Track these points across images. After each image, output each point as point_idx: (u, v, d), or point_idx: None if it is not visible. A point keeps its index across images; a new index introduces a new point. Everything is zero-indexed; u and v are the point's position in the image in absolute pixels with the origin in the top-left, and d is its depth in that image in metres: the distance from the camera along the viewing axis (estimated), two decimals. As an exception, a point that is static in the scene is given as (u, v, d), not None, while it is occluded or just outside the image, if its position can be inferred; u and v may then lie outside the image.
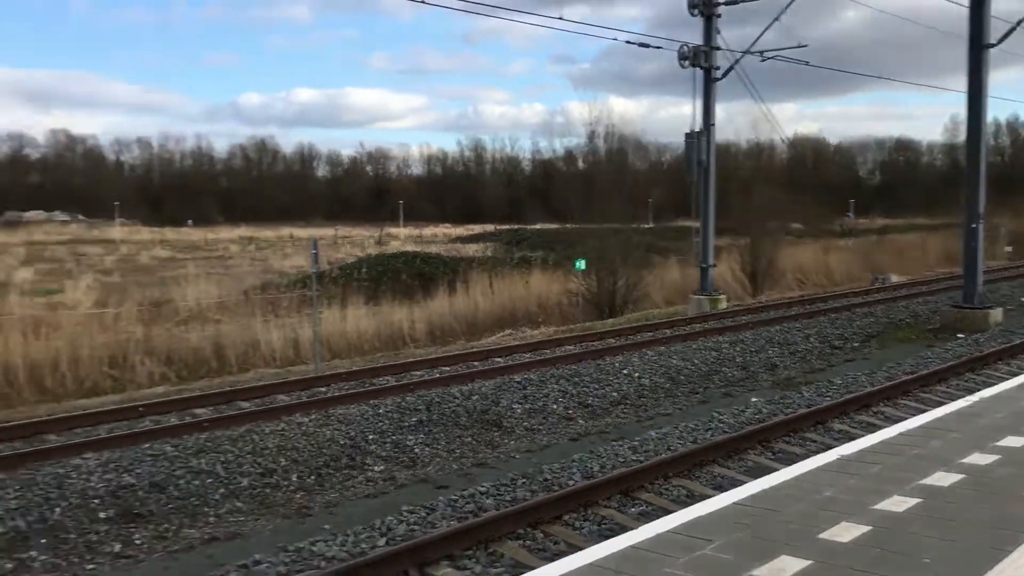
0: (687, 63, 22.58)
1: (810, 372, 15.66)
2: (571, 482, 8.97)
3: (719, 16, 22.88)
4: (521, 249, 50.00)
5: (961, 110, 23.84)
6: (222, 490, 9.35)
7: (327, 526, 8.32)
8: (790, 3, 22.14)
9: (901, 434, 8.49)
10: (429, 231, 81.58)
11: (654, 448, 10.22)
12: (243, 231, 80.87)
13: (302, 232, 74.53)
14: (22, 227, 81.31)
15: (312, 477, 9.93)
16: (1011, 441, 8.01)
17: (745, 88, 24.07)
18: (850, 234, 53.33)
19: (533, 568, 5.88)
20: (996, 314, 19.77)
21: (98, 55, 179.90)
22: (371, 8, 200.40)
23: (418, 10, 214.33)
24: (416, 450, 10.89)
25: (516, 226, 73.60)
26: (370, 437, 11.15)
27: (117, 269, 43.17)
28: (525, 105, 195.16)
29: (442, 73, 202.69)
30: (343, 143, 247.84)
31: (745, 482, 7.71)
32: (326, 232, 71.45)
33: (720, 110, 44.87)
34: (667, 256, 35.65)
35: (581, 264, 27.21)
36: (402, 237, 71.81)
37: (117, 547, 8.02)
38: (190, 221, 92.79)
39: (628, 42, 22.00)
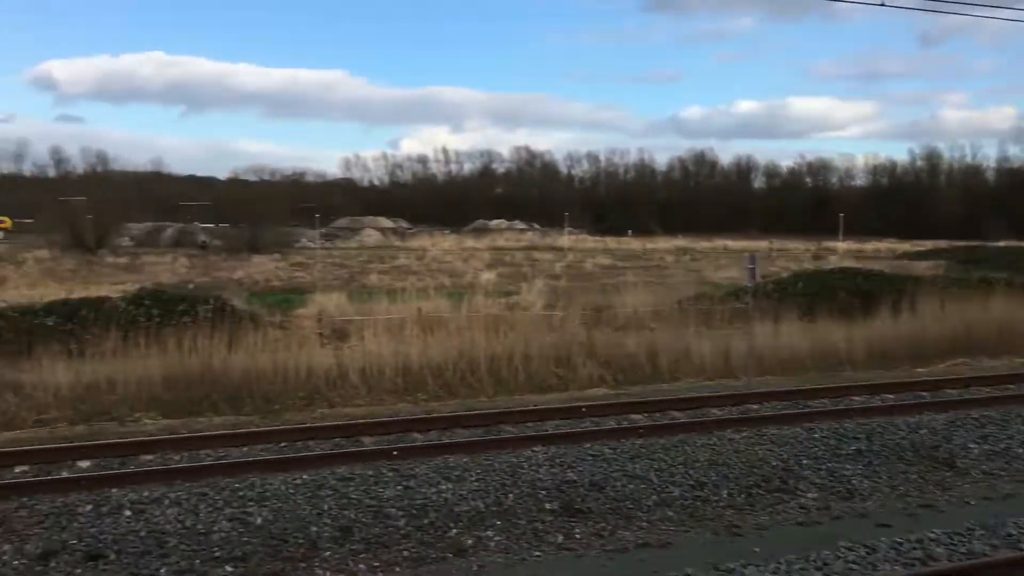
0: None
1: None
2: (1042, 542, 7.85)
3: None
4: (980, 269, 44.94)
5: None
6: (654, 497, 9.64)
7: (757, 549, 8.19)
8: None
9: None
10: (870, 246, 76.75)
11: None
12: (679, 242, 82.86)
13: (736, 244, 74.41)
14: (488, 234, 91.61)
15: (742, 496, 9.84)
16: None
17: None
18: None
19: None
20: None
21: (555, 78, 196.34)
22: (819, 13, 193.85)
23: (871, 12, 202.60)
24: (854, 481, 10.29)
25: (973, 243, 66.51)
26: (804, 462, 10.77)
27: (564, 275, 46.55)
28: (992, 109, 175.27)
29: (895, 77, 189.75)
30: (782, 154, 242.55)
31: None
32: (760, 244, 70.47)
33: None
34: None
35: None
36: (840, 251, 68.35)
37: (560, 538, 8.63)
38: (630, 231, 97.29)
39: None
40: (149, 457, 10.88)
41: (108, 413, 14.08)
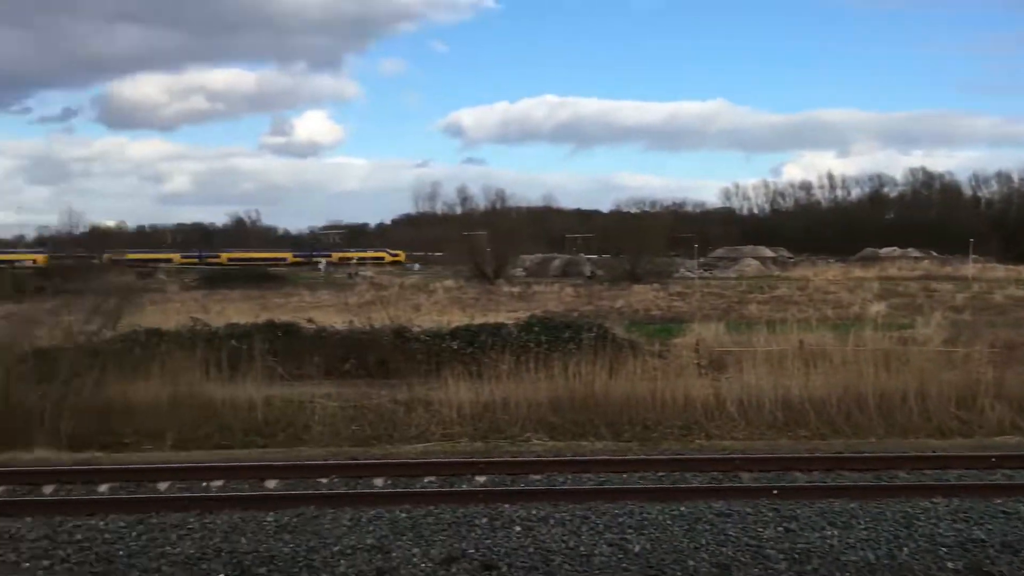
0: None
1: None
2: None
3: None
4: None
5: None
6: (1087, 569, 8.29)
7: None
8: None
9: None
10: None
11: None
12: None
13: None
14: (877, 262, 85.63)
15: None
16: None
17: None
18: None
19: None
20: None
21: (953, 91, 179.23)
22: None
23: None
24: None
25: None
26: None
27: (968, 307, 42.06)
28: None
29: None
30: None
31: None
32: None
33: None
34: None
35: None
36: None
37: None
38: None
39: None
40: (537, 477, 11.53)
41: (502, 432, 15.21)
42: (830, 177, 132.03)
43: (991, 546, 8.71)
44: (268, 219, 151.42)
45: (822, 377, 17.38)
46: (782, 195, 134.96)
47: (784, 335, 21.59)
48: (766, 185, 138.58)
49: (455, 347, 20.80)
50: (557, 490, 10.75)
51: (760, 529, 9.22)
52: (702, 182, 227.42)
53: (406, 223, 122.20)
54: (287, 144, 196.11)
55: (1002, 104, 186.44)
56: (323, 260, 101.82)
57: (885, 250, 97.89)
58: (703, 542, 8.91)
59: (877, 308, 38.57)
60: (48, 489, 10.84)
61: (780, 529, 9.22)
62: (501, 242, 73.27)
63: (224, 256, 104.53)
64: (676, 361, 19.56)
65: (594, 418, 15.60)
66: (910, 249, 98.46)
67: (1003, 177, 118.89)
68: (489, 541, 8.97)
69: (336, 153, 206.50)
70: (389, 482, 11.22)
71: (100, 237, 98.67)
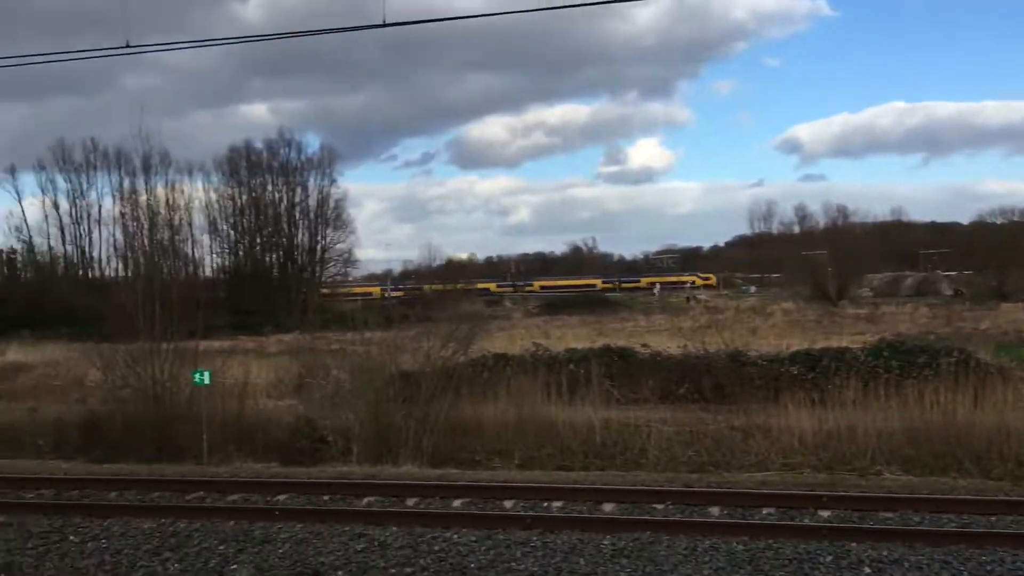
0: None
1: None
2: None
3: None
4: None
5: None
6: None
7: None
8: None
9: None
10: None
11: None
12: None
13: None
14: None
15: None
16: None
17: None
18: None
19: None
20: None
21: None
22: None
23: None
24: None
25: None
26: None
27: None
28: None
29: None
30: None
31: None
32: None
33: None
34: None
35: None
36: None
37: None
38: None
39: None
40: (889, 515, 10.65)
41: (848, 463, 14.26)
42: None
43: None
44: (604, 246, 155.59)
45: None
46: None
47: None
48: None
49: (795, 372, 19.93)
50: (913, 530, 9.84)
51: None
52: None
53: (740, 244, 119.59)
54: (621, 172, 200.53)
55: None
56: (657, 285, 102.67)
57: None
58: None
59: None
60: (411, 502, 11.88)
61: None
62: (844, 261, 69.17)
63: (536, 284, 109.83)
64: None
65: (956, 451, 14.13)
66: None
67: None
68: (834, 581, 8.42)
69: (669, 178, 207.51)
70: (726, 511, 10.96)
71: (454, 268, 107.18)
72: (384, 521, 10.67)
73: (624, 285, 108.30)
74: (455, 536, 10.01)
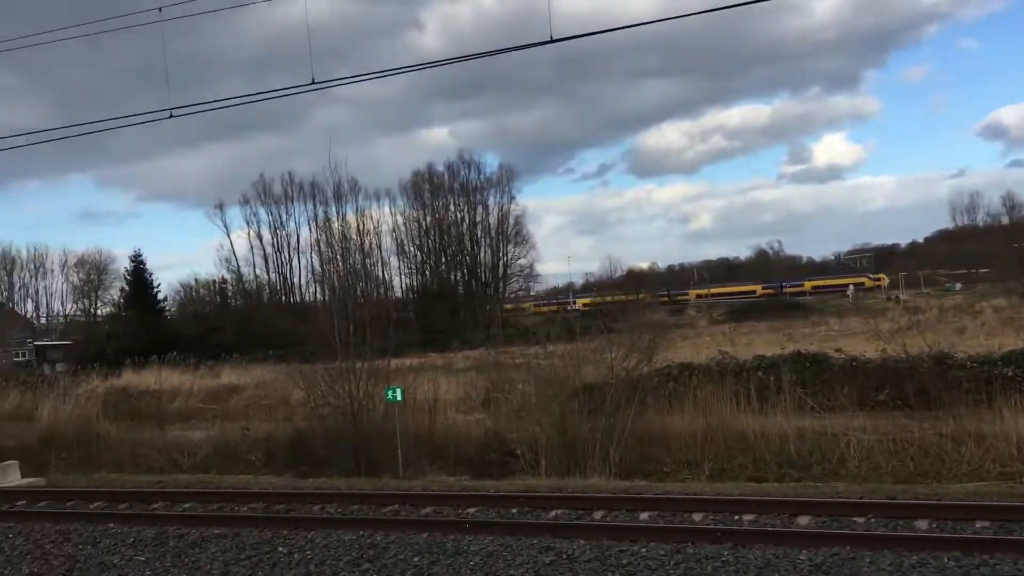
0: None
1: None
2: None
3: None
4: None
5: None
6: None
7: None
8: None
9: None
10: None
11: None
12: None
13: None
14: None
15: None
16: None
17: None
18: None
19: None
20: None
21: None
22: None
23: None
24: None
25: None
26: None
27: None
28: None
29: None
30: None
31: None
32: None
33: None
34: None
35: None
36: None
37: None
38: None
39: None
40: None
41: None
42: None
43: None
44: (791, 248, 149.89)
45: None
46: None
47: None
48: None
49: (1009, 374, 18.40)
50: None
51: None
52: None
53: (941, 239, 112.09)
54: (806, 171, 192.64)
55: None
56: (851, 286, 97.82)
57: None
58: None
59: None
60: (598, 515, 11.83)
61: None
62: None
63: (692, 293, 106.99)
64: None
65: None
66: None
67: None
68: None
69: (858, 174, 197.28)
70: (934, 525, 10.23)
71: (636, 278, 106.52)
72: (571, 534, 10.67)
73: (788, 288, 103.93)
74: (643, 550, 9.87)
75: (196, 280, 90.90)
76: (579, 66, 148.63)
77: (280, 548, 11.08)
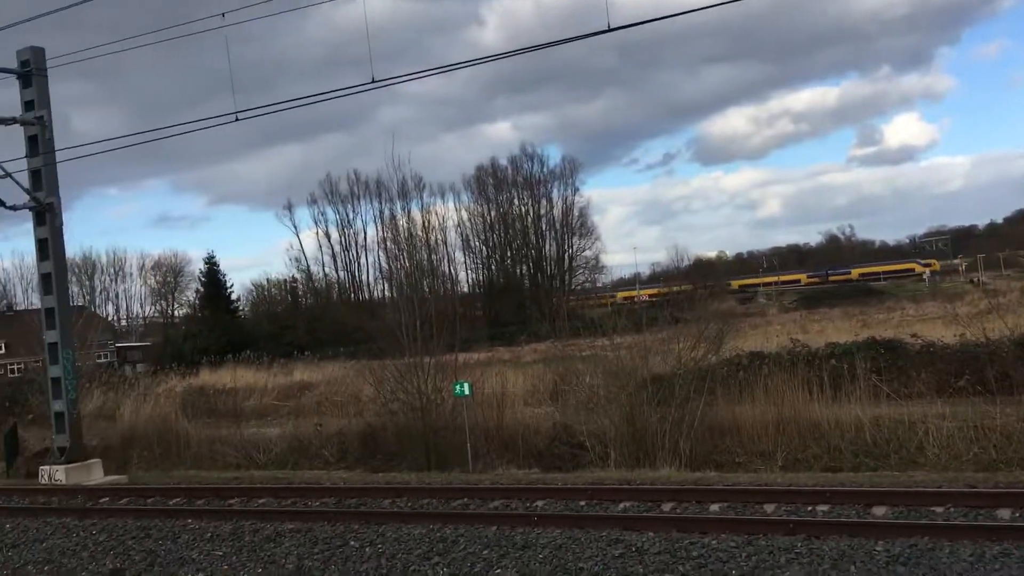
0: None
1: None
2: None
3: None
4: None
5: None
6: None
7: None
8: None
9: None
10: None
11: None
12: None
13: None
14: None
15: None
16: None
17: None
18: None
19: None
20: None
21: None
22: None
23: None
24: None
25: None
26: None
27: None
28: None
29: None
30: None
31: None
32: None
33: None
34: None
35: None
36: None
37: None
38: None
39: None
40: None
41: None
42: None
43: None
44: (863, 232, 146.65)
45: None
46: None
47: None
48: None
49: None
50: None
51: None
52: None
53: (1021, 219, 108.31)
54: (877, 153, 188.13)
55: None
56: (927, 271, 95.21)
57: None
58: None
59: None
60: (666, 507, 11.73)
61: None
62: None
63: (735, 284, 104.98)
64: None
65: None
66: None
67: None
68: None
69: (932, 154, 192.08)
70: (1017, 514, 9.88)
71: (703, 268, 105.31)
72: (640, 526, 10.59)
73: (834, 277, 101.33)
74: (713, 542, 9.74)
75: (268, 280, 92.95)
76: (641, 55, 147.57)
77: (352, 542, 11.24)
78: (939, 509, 10.38)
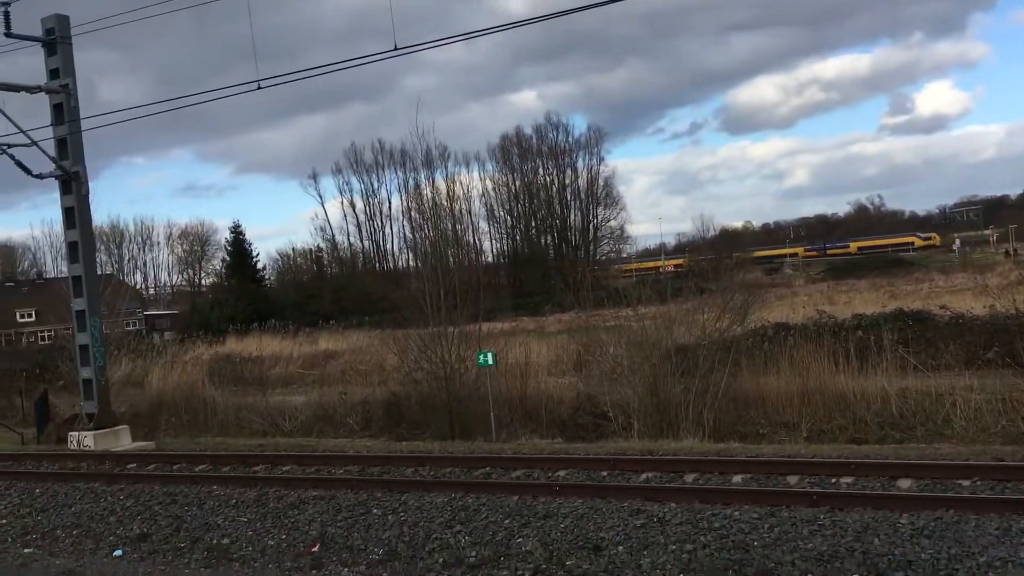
0: None
1: None
2: None
3: None
4: None
5: None
6: None
7: None
8: None
9: None
10: None
11: None
12: None
13: None
14: None
15: None
16: None
17: None
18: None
19: None
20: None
21: None
22: None
23: None
24: None
25: None
26: None
27: None
28: None
29: None
30: None
31: None
32: None
33: None
34: None
35: None
36: None
37: None
38: None
39: None
40: None
41: None
42: None
43: None
44: (892, 203, 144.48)
45: None
46: None
47: None
48: None
49: None
50: None
51: None
52: None
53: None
54: (909, 122, 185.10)
55: None
56: (957, 240, 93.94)
57: None
58: None
59: None
60: (689, 477, 11.69)
61: None
62: None
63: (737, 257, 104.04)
64: None
65: None
66: None
67: None
68: None
69: (965, 123, 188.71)
70: (1045, 488, 9.76)
71: (729, 238, 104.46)
72: (662, 497, 10.56)
73: (832, 251, 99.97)
74: (736, 513, 9.70)
75: (293, 249, 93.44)
76: (667, 23, 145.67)
77: (375, 510, 11.31)
78: (965, 482, 10.26)
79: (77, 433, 19.07)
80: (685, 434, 17.03)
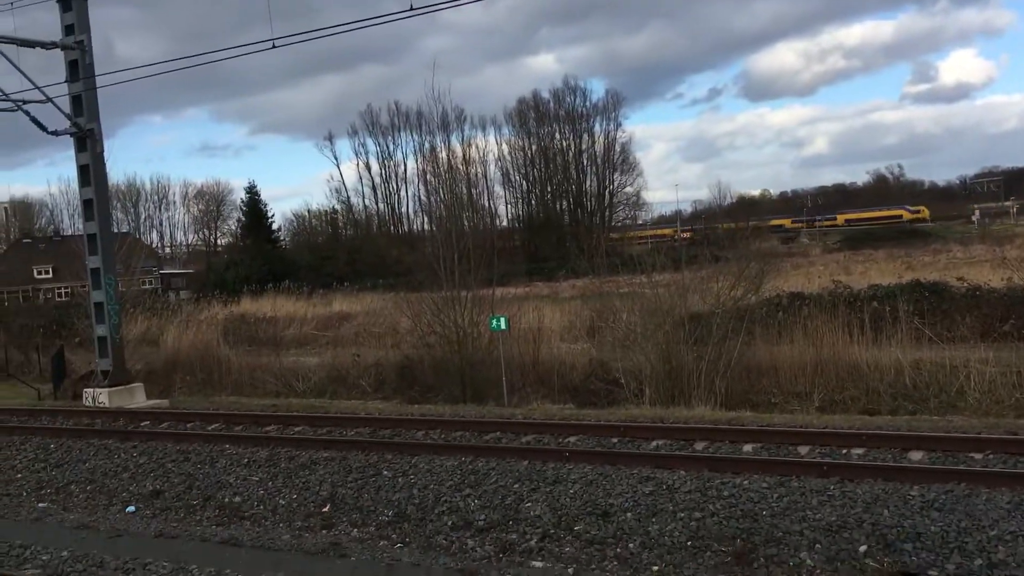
0: None
1: None
2: None
3: None
4: None
5: None
6: None
7: None
8: None
9: None
10: None
11: None
12: None
13: None
14: None
15: None
16: None
17: None
18: None
19: None
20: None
21: None
22: None
23: None
24: None
25: None
26: None
27: None
28: None
29: None
30: None
31: None
32: None
33: None
34: None
35: None
36: None
37: None
38: None
39: None
40: None
41: None
42: None
43: None
44: (912, 173, 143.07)
45: None
46: None
47: None
48: None
49: None
50: None
51: None
52: None
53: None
54: (932, 90, 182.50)
55: None
56: (976, 211, 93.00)
57: None
58: None
59: None
60: (699, 446, 11.69)
61: None
62: None
63: (724, 227, 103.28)
64: None
65: None
66: None
67: None
68: None
69: (989, 92, 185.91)
70: (1061, 463, 9.69)
71: (746, 206, 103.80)
72: (672, 464, 10.57)
73: (823, 223, 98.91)
74: (745, 482, 9.68)
75: (308, 211, 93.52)
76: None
77: (385, 472, 11.38)
78: (978, 455, 10.20)
79: (92, 390, 19.24)
80: (697, 402, 17.01)
